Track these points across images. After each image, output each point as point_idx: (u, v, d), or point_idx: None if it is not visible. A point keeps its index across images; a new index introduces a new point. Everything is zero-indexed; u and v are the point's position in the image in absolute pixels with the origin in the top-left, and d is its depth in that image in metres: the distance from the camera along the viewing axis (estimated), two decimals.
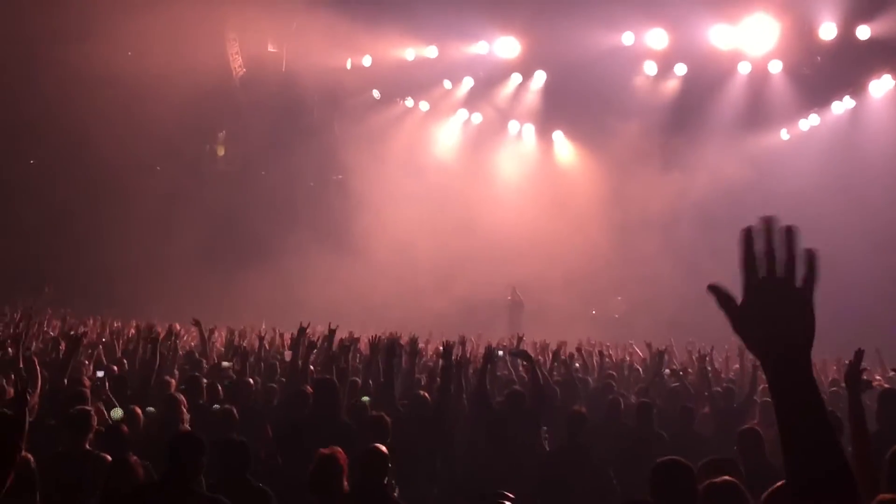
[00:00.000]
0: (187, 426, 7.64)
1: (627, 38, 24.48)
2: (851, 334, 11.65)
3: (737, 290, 1.91)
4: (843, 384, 10.85)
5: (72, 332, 12.97)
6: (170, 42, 23.70)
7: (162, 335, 11.92)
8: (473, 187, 29.00)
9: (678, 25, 23.88)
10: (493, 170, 30.54)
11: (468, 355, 12.41)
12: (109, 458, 6.40)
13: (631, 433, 8.88)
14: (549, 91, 27.59)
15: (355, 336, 13.75)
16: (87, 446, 6.72)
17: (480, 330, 19.93)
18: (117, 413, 6.62)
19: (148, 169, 28.40)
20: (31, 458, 5.85)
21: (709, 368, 12.42)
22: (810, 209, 21.64)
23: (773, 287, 1.86)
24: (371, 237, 26.21)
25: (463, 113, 30.44)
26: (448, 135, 30.85)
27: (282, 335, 16.16)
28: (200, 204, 27.57)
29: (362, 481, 5.80)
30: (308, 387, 8.60)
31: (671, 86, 26.19)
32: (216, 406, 9.23)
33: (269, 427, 8.66)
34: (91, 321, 18.88)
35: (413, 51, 27.08)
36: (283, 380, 10.40)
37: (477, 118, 30.57)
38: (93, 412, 7.07)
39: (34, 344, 12.52)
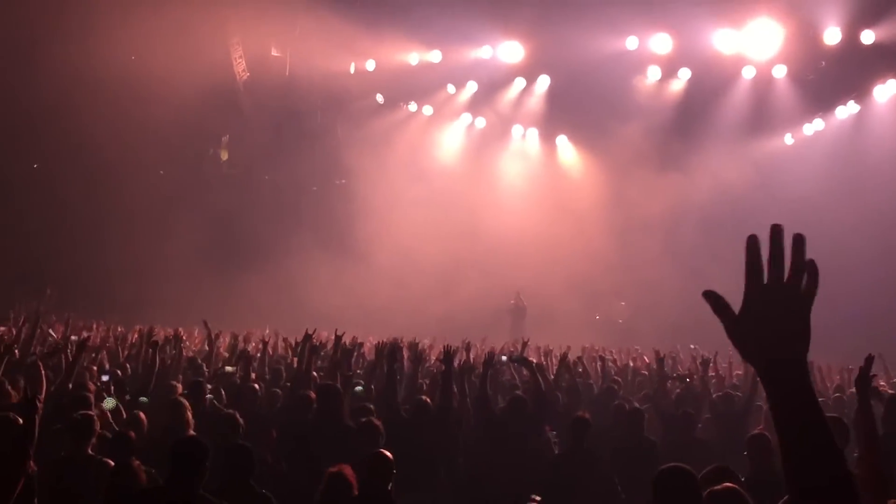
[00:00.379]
0: (192, 431, 7.63)
1: (631, 43, 24.47)
2: (855, 339, 11.66)
3: (740, 296, 1.90)
4: (848, 391, 10.90)
5: (73, 337, 13.03)
6: (173, 46, 23.69)
7: (162, 339, 11.93)
8: (477, 192, 29.01)
9: (682, 30, 23.86)
10: (497, 174, 30.57)
11: (471, 361, 12.42)
12: (112, 463, 6.40)
13: (624, 439, 8.91)
14: (552, 95, 27.61)
15: (358, 341, 13.77)
16: (90, 451, 6.71)
17: (484, 334, 19.93)
18: (110, 403, 6.56)
19: (151, 172, 28.45)
20: (32, 464, 5.85)
21: (711, 374, 12.41)
22: (815, 214, 21.63)
23: (774, 294, 1.85)
24: (374, 241, 26.21)
25: (466, 117, 30.47)
26: (451, 139, 30.86)
27: (285, 340, 16.17)
28: (203, 208, 27.59)
29: (367, 486, 5.81)
30: (311, 392, 8.60)
31: (675, 90, 26.18)
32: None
33: (273, 432, 8.65)
34: (95, 325, 18.87)
35: (416, 55, 27.08)
36: (289, 385, 10.41)
37: (480, 123, 30.59)
38: (96, 417, 7.07)
39: (38, 348, 12.52)
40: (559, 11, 23.58)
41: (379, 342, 10.74)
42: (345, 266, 25.28)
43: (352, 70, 28.23)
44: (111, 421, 8.05)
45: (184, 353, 12.79)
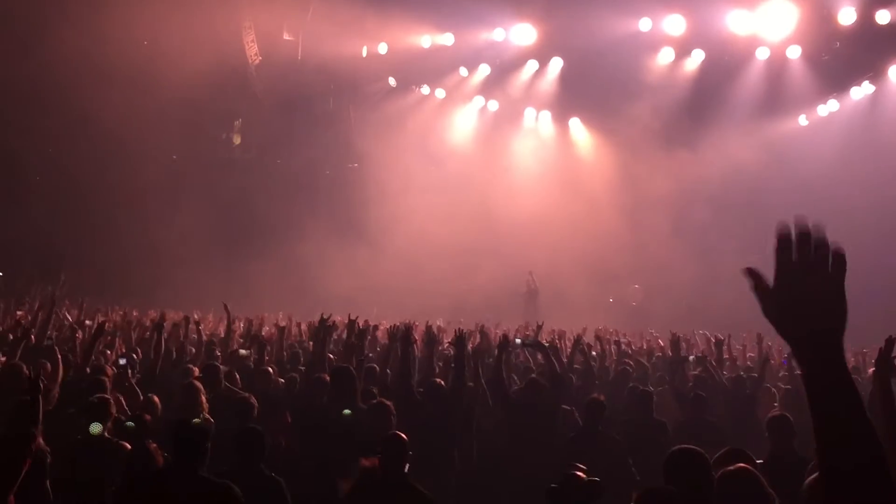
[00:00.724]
0: (206, 414, 7.67)
1: (644, 24, 24.33)
2: (869, 321, 11.56)
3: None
4: (864, 373, 10.87)
5: (87, 322, 13.10)
6: (185, 30, 23.70)
7: (170, 325, 11.98)
8: (490, 175, 28.97)
9: (695, 11, 23.71)
10: (510, 157, 30.50)
11: (487, 344, 12.45)
12: (129, 446, 6.44)
13: (633, 421, 8.93)
14: (565, 78, 27.48)
15: (372, 324, 13.79)
16: (107, 434, 6.76)
17: (498, 319, 19.94)
18: (96, 429, 6.58)
19: (164, 157, 28.51)
20: (44, 446, 5.89)
21: (725, 357, 12.39)
22: (829, 194, 21.56)
23: (806, 271, 1.87)
24: (387, 225, 26.20)
25: (479, 100, 30.37)
26: (464, 122, 30.80)
27: (299, 324, 16.22)
28: (216, 192, 27.68)
29: (384, 469, 5.84)
30: (326, 375, 8.63)
31: (688, 71, 26.01)
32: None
33: (287, 415, 8.69)
34: (109, 311, 18.95)
35: (429, 38, 27.00)
36: (302, 368, 10.47)
37: (493, 105, 30.50)
38: (112, 401, 7.12)
39: (53, 333, 12.60)
40: None
41: (392, 326, 10.73)
42: (358, 250, 25.29)
43: (364, 53, 28.17)
44: (126, 408, 8.10)
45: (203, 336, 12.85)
